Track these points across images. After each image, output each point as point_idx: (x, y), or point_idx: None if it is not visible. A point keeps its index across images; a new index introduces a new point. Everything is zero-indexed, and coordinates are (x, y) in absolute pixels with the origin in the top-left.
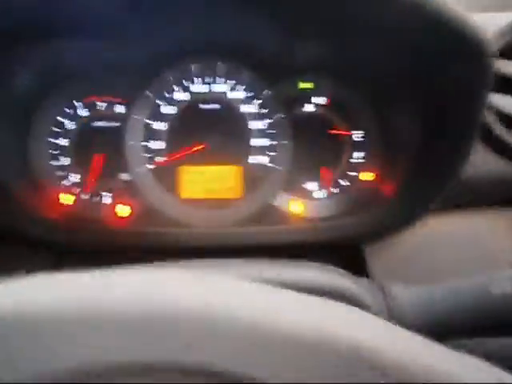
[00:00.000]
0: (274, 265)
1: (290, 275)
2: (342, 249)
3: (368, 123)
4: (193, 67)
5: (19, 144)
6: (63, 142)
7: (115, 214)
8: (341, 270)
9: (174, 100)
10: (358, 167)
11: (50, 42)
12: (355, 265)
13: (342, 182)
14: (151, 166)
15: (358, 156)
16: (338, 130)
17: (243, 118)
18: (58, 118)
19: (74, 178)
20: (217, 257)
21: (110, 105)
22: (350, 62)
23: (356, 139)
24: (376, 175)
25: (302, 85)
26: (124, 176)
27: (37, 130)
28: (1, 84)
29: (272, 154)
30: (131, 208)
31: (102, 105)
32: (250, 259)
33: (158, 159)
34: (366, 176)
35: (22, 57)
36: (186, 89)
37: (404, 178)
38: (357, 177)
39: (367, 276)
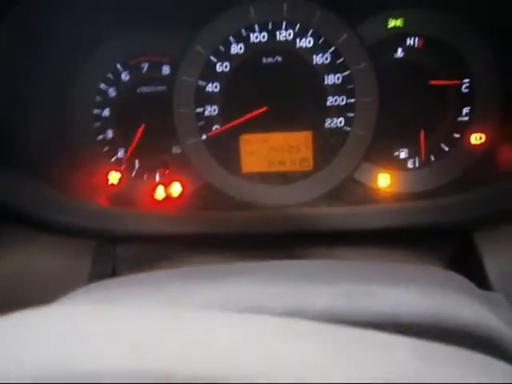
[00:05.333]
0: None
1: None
2: (445, 236)
3: (480, 67)
4: (252, 10)
5: (61, 119)
6: (106, 112)
7: (164, 194)
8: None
9: (230, 54)
10: (466, 127)
11: None
12: (462, 258)
13: (445, 147)
14: (205, 137)
15: (466, 112)
16: (440, 80)
17: (315, 72)
18: (102, 85)
19: (119, 153)
20: (285, 245)
21: (155, 65)
22: None
23: (465, 90)
24: (490, 138)
25: (392, 22)
26: (174, 149)
27: (79, 100)
28: (39, 43)
29: (351, 114)
30: (183, 186)
31: (145, 66)
32: (340, 264)
33: (213, 128)
34: (477, 138)
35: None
36: (243, 39)
37: None
38: (465, 140)
39: (480, 272)
